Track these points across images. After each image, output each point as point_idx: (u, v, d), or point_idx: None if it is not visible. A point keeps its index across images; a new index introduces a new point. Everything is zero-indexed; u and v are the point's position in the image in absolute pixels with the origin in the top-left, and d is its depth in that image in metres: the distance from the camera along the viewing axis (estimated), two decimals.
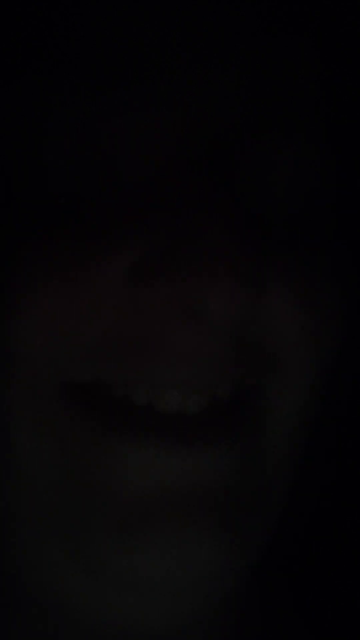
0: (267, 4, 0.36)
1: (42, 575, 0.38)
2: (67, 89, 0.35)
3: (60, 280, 0.35)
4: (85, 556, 0.36)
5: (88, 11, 0.35)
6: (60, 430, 0.35)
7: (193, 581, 0.35)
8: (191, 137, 0.35)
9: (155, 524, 0.35)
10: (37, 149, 0.36)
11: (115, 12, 0.35)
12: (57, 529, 0.36)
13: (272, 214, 0.37)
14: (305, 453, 0.38)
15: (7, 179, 0.36)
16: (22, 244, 0.35)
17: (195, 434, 0.35)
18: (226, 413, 0.36)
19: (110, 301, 0.35)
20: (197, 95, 0.35)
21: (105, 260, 0.35)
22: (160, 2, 0.35)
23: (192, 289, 0.33)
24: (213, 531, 0.35)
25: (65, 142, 0.36)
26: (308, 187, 0.38)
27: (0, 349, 0.35)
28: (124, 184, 0.36)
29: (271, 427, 0.37)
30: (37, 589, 0.39)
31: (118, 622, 0.39)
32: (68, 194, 0.36)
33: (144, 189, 0.35)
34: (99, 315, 0.35)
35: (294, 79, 0.37)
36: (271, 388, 0.36)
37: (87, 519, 0.35)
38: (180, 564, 0.35)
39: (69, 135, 0.36)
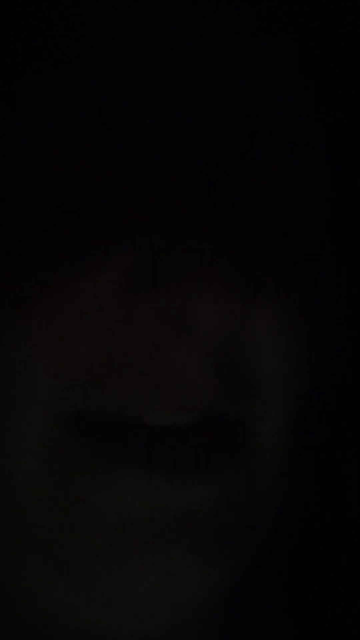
0: (266, 16, 0.37)
1: (32, 594, 0.39)
2: (63, 92, 0.35)
3: (50, 300, 0.35)
4: (76, 576, 0.36)
5: (86, 15, 0.36)
6: (57, 456, 0.36)
7: (183, 599, 0.36)
8: (186, 147, 0.35)
9: (144, 545, 0.35)
10: (26, 158, 0.36)
11: (114, 21, 0.36)
12: (49, 550, 0.37)
13: (264, 228, 0.37)
14: (296, 466, 0.39)
15: None
16: (6, 265, 0.35)
17: (185, 457, 0.35)
18: (214, 434, 0.36)
19: (101, 318, 0.35)
20: (194, 105, 0.36)
21: (94, 272, 0.35)
22: (159, 11, 0.36)
23: (181, 300, 0.34)
24: (201, 552, 0.35)
25: (55, 151, 0.36)
26: (302, 200, 0.38)
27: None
28: (115, 194, 0.36)
29: (257, 449, 0.37)
30: (26, 607, 0.39)
31: (108, 636, 0.39)
32: (56, 204, 0.36)
33: (136, 198, 0.35)
34: (91, 333, 0.35)
35: (292, 91, 0.37)
36: (254, 413, 0.36)
37: (79, 540, 0.35)
38: (170, 584, 0.35)
39: (61, 144, 0.36)
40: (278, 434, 0.37)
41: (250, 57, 0.36)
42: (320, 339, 0.37)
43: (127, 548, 0.35)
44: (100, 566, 0.35)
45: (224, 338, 0.35)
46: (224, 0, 0.36)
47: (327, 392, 0.39)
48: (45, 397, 0.35)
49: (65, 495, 0.35)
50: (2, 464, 0.36)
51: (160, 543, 0.35)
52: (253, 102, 0.36)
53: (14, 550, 0.38)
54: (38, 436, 0.35)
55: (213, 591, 0.36)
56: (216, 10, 0.36)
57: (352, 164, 0.40)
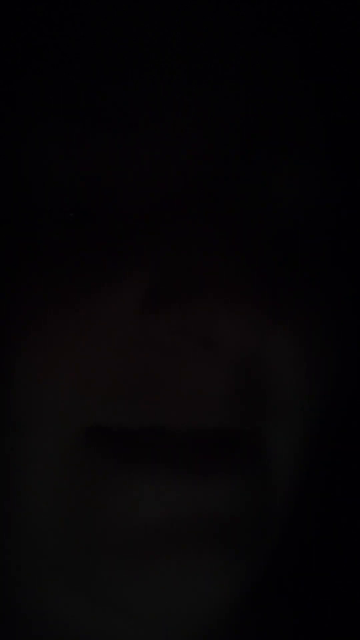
0: (266, 15, 0.37)
1: (46, 605, 0.39)
2: (65, 94, 0.35)
3: (69, 317, 0.35)
4: (92, 586, 0.36)
5: (87, 15, 0.36)
6: (76, 467, 0.36)
7: (198, 607, 0.36)
8: (194, 153, 0.35)
9: (162, 552, 0.35)
10: (40, 177, 0.36)
11: (115, 21, 0.36)
12: (63, 562, 0.37)
13: (282, 241, 0.37)
14: (308, 477, 0.39)
15: (10, 209, 0.36)
16: (25, 281, 0.35)
17: (204, 464, 0.35)
18: (230, 446, 0.36)
19: (120, 335, 0.35)
20: (199, 120, 0.35)
21: (113, 292, 0.35)
22: (159, 12, 0.36)
23: (201, 316, 0.34)
24: (218, 558, 0.35)
25: (66, 170, 0.36)
26: (311, 212, 0.38)
27: (18, 392, 0.35)
28: (130, 207, 0.36)
29: (273, 459, 0.37)
30: (39, 618, 0.39)
31: None
32: (70, 224, 0.36)
33: (151, 213, 0.35)
34: (110, 350, 0.35)
35: (293, 90, 0.37)
36: (269, 429, 0.37)
37: (95, 550, 0.36)
38: (185, 591, 0.35)
39: (69, 162, 0.36)
40: (292, 447, 0.37)
41: (251, 57, 0.36)
42: (335, 360, 0.37)
43: (143, 555, 0.35)
44: (120, 577, 0.35)
45: (243, 355, 0.35)
46: (223, 1, 0.36)
47: (341, 406, 0.39)
48: (64, 412, 0.35)
49: (81, 505, 0.36)
50: (21, 476, 0.36)
51: (176, 549, 0.35)
52: (255, 103, 0.36)
53: (29, 563, 0.38)
54: (58, 449, 0.36)
55: (228, 597, 0.36)
56: (216, 10, 0.36)
57: (354, 164, 0.40)
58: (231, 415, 0.35)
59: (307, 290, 0.37)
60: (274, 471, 0.37)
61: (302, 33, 0.38)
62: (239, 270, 0.34)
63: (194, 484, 0.35)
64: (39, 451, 0.36)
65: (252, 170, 0.36)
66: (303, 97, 0.38)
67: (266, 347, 0.35)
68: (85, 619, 0.39)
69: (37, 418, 0.35)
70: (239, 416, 0.35)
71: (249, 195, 0.36)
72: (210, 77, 0.36)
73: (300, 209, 0.37)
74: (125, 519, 0.35)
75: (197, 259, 0.34)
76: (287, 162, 0.37)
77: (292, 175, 0.37)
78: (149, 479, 0.35)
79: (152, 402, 0.35)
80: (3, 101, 0.36)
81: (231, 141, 0.36)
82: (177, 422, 0.35)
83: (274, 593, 0.43)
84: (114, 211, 0.36)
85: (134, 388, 0.35)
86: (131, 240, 0.35)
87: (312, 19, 0.38)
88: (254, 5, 0.36)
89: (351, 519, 0.44)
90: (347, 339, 0.38)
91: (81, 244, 0.35)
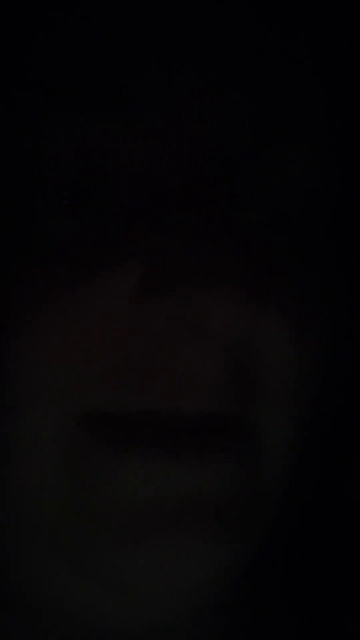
0: (269, 21, 0.37)
1: (44, 585, 0.40)
2: (72, 86, 0.36)
3: (65, 304, 0.35)
4: (89, 566, 0.37)
5: (90, 28, 0.36)
6: (73, 451, 0.36)
7: (192, 586, 0.36)
8: (197, 146, 0.36)
9: (157, 532, 0.35)
10: (38, 164, 0.36)
11: (118, 30, 0.36)
12: (61, 542, 0.37)
13: (275, 231, 0.37)
14: (300, 460, 0.39)
15: (8, 195, 0.37)
16: (21, 267, 0.36)
17: (197, 448, 0.36)
18: (222, 430, 0.36)
19: (115, 321, 0.35)
20: (202, 111, 0.36)
21: (108, 278, 0.35)
22: (164, 10, 0.36)
23: (194, 302, 0.34)
24: (212, 538, 0.36)
25: (65, 157, 0.36)
26: (309, 198, 0.38)
27: (16, 377, 0.36)
28: (127, 197, 0.36)
29: (266, 442, 0.37)
30: (37, 598, 0.40)
31: (118, 627, 0.40)
32: (66, 212, 0.36)
33: (148, 201, 0.36)
34: (105, 336, 0.35)
35: (298, 93, 0.37)
36: (261, 413, 0.37)
37: (92, 530, 0.36)
38: (180, 570, 0.36)
39: (71, 148, 0.36)
40: (285, 431, 0.38)
41: (256, 47, 0.36)
42: (325, 344, 0.38)
43: (138, 536, 0.35)
44: (116, 557, 0.36)
45: (235, 340, 0.35)
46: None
47: (331, 393, 0.39)
48: (60, 397, 0.36)
49: (78, 488, 0.36)
50: (17, 461, 0.37)
51: (170, 530, 0.35)
52: (258, 105, 0.36)
53: (27, 546, 0.39)
54: (54, 434, 0.36)
55: (221, 578, 0.37)
56: (222, 6, 0.36)
57: (354, 154, 0.40)
58: (224, 399, 0.36)
59: (298, 275, 0.37)
60: (266, 454, 0.37)
61: (308, 24, 0.38)
62: (233, 255, 0.34)
63: (187, 467, 0.35)
64: (36, 436, 0.36)
65: (254, 157, 0.36)
66: (309, 91, 0.38)
67: (258, 332, 0.36)
68: (82, 598, 0.39)
69: (33, 403, 0.36)
70: (232, 401, 0.36)
71: (249, 181, 0.37)
72: (214, 66, 0.36)
73: (301, 193, 0.38)
74: (120, 501, 0.36)
75: (190, 246, 0.34)
76: (285, 152, 0.37)
77: (295, 162, 0.37)
78: (143, 462, 0.35)
79: (146, 388, 0.35)
80: (4, 88, 0.36)
81: (230, 131, 0.36)
82: (170, 407, 0.35)
83: (267, 575, 0.44)
84: (110, 198, 0.36)
85: (128, 373, 0.35)
86: (126, 228, 0.36)
87: (318, 10, 0.38)
88: (260, 1, 0.37)
89: (345, 503, 0.44)
90: (339, 324, 0.38)
91: (76, 231, 0.36)
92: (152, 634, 0.40)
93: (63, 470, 0.36)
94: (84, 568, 0.37)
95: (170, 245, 0.35)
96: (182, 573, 0.36)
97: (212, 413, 0.36)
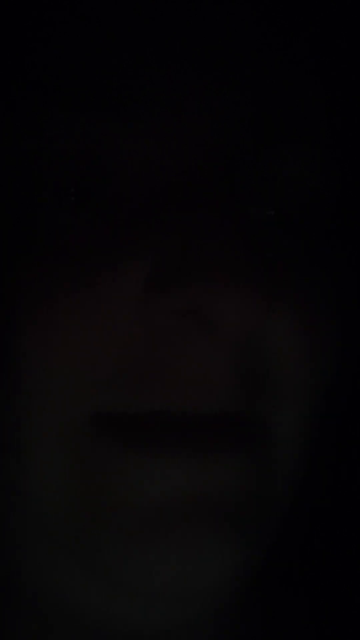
0: (269, 21, 0.37)
1: (51, 585, 0.39)
2: (68, 104, 0.36)
3: (70, 303, 0.35)
4: (97, 565, 0.37)
5: (90, 28, 0.36)
6: (82, 451, 0.36)
7: (203, 586, 0.36)
8: (201, 142, 0.36)
9: (167, 532, 0.35)
10: (39, 163, 0.36)
11: (118, 30, 0.36)
12: (68, 542, 0.37)
13: (282, 227, 0.38)
14: (311, 458, 0.39)
15: (12, 195, 0.37)
16: (26, 267, 0.36)
17: (208, 446, 0.35)
18: (232, 428, 0.36)
19: (122, 320, 0.35)
20: (202, 111, 0.36)
21: (115, 276, 0.35)
22: (165, 21, 0.36)
23: (203, 298, 0.34)
24: (223, 538, 0.36)
25: (66, 155, 0.36)
26: (312, 194, 0.38)
27: (23, 377, 0.36)
28: (133, 193, 0.36)
29: (277, 440, 0.37)
30: (43, 597, 0.40)
31: (126, 627, 0.40)
32: (72, 208, 0.36)
33: (154, 198, 0.36)
34: (112, 335, 0.35)
35: (298, 93, 0.38)
36: (271, 410, 0.37)
37: (100, 530, 0.36)
38: (191, 570, 0.35)
39: (73, 147, 0.36)
40: (296, 428, 0.38)
41: (257, 53, 0.37)
42: (336, 340, 0.38)
43: (148, 535, 0.35)
44: (126, 556, 0.36)
45: (245, 337, 0.35)
46: None
47: (342, 390, 0.39)
48: (66, 398, 0.36)
49: (87, 488, 0.36)
50: (25, 462, 0.37)
51: (180, 529, 0.35)
52: (259, 103, 0.37)
53: (34, 545, 0.39)
54: (60, 435, 0.36)
55: (232, 577, 0.36)
56: (222, 6, 0.36)
57: (355, 151, 0.40)
58: (234, 397, 0.36)
59: (308, 271, 0.37)
60: (278, 453, 0.37)
61: (308, 24, 0.38)
62: (240, 251, 0.34)
63: (198, 466, 0.35)
64: (45, 436, 0.36)
65: (255, 156, 0.37)
66: (308, 86, 0.38)
67: (267, 329, 0.36)
68: (90, 597, 0.39)
69: (42, 403, 0.36)
70: (242, 399, 0.36)
71: (250, 179, 0.37)
72: (214, 66, 0.36)
73: (302, 192, 0.38)
74: (130, 499, 0.35)
75: (198, 241, 0.34)
76: (285, 151, 0.37)
77: (295, 161, 0.37)
78: (153, 461, 0.35)
79: (156, 386, 0.35)
80: (5, 88, 0.36)
81: (230, 130, 0.36)
82: (180, 405, 0.35)
83: (278, 574, 0.43)
84: (116, 195, 0.36)
85: (138, 372, 0.35)
86: (129, 227, 0.35)
87: (318, 10, 0.38)
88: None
89: (356, 501, 0.44)
90: (349, 320, 0.38)
91: (83, 228, 0.36)
92: (160, 634, 0.40)
93: (72, 471, 0.36)
94: (92, 567, 0.37)
95: (174, 242, 0.35)
96: (191, 573, 0.36)
97: (222, 411, 0.36)
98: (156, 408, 0.35)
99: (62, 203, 0.36)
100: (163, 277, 0.35)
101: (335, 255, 0.39)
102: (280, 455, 0.37)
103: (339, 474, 0.44)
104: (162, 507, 0.35)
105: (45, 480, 0.37)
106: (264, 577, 0.41)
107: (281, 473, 0.38)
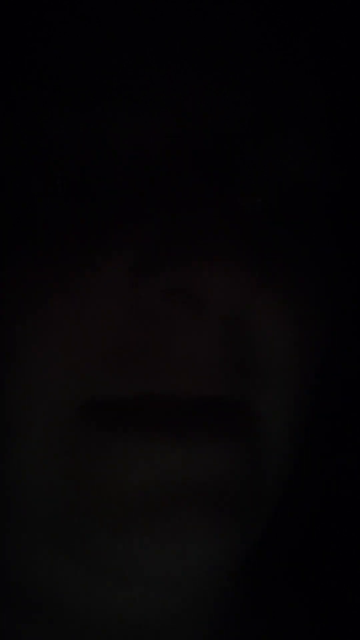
0: (270, 21, 0.37)
1: (41, 574, 0.39)
2: (68, 105, 0.36)
3: (60, 289, 0.35)
4: (87, 554, 0.36)
5: (90, 28, 0.36)
6: (67, 436, 0.36)
7: (194, 573, 0.36)
8: (191, 129, 0.36)
9: (156, 518, 0.35)
10: (31, 153, 0.36)
11: (118, 30, 0.36)
12: (58, 530, 0.37)
13: (272, 211, 0.38)
14: (302, 446, 0.39)
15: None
16: (17, 254, 0.35)
17: (197, 431, 0.35)
18: (222, 413, 0.36)
19: (111, 304, 0.35)
20: (198, 94, 0.36)
21: (104, 261, 0.35)
22: (165, 21, 0.36)
23: (192, 276, 0.34)
24: (214, 524, 0.35)
25: (59, 145, 0.36)
26: (306, 185, 0.38)
27: (12, 365, 0.36)
28: (122, 176, 0.36)
29: (264, 427, 0.37)
30: (34, 588, 0.40)
31: (117, 617, 0.40)
32: (60, 193, 0.36)
33: (143, 181, 0.35)
34: (102, 320, 0.35)
35: (295, 80, 0.38)
36: (260, 395, 0.37)
37: (89, 517, 0.36)
38: (181, 556, 0.35)
39: (62, 139, 0.36)
40: (286, 413, 0.37)
41: (257, 53, 0.37)
42: (326, 328, 0.38)
43: (138, 521, 0.35)
44: (114, 544, 0.35)
45: (233, 320, 0.35)
46: None
47: (332, 379, 0.39)
48: (59, 384, 0.36)
49: (76, 474, 0.36)
50: (14, 448, 0.37)
51: (170, 515, 0.35)
52: (254, 90, 0.36)
53: (25, 535, 0.39)
54: (53, 421, 0.36)
55: (223, 564, 0.36)
56: (222, 6, 0.37)
57: (352, 139, 0.40)
58: (222, 382, 0.35)
59: (297, 258, 0.37)
60: (267, 439, 0.37)
61: (308, 24, 0.38)
62: (228, 233, 0.34)
63: (187, 451, 0.35)
64: (34, 423, 0.36)
65: (249, 144, 0.37)
66: (306, 77, 0.38)
67: (256, 313, 0.36)
68: (75, 585, 0.39)
69: (31, 391, 0.36)
70: (231, 383, 0.36)
71: (243, 166, 0.37)
72: (213, 52, 0.36)
73: (294, 181, 0.38)
74: (117, 486, 0.35)
75: (187, 223, 0.34)
76: (286, 138, 0.37)
77: (290, 152, 0.37)
78: (142, 446, 0.35)
79: (143, 369, 0.35)
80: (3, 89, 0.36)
81: (227, 118, 0.36)
82: (169, 390, 0.35)
83: (269, 561, 0.43)
84: (105, 179, 0.36)
85: (126, 356, 0.35)
86: (120, 211, 0.35)
87: (318, 10, 0.38)
88: None
89: (347, 488, 0.44)
90: (339, 309, 0.38)
91: (71, 214, 0.36)
92: (147, 623, 0.40)
93: (61, 457, 0.36)
94: (77, 555, 0.37)
95: (164, 225, 0.35)
96: (181, 560, 0.35)
97: (211, 396, 0.35)
98: (145, 391, 0.35)
99: (48, 185, 0.36)
100: (149, 258, 0.34)
101: (326, 244, 0.39)
102: (270, 442, 0.37)
103: (329, 463, 0.44)
104: (149, 493, 0.35)
105: (34, 467, 0.36)
106: (253, 565, 0.41)
107: (271, 460, 0.37)
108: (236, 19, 0.37)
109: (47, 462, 0.36)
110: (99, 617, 0.40)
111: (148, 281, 0.35)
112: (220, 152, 0.36)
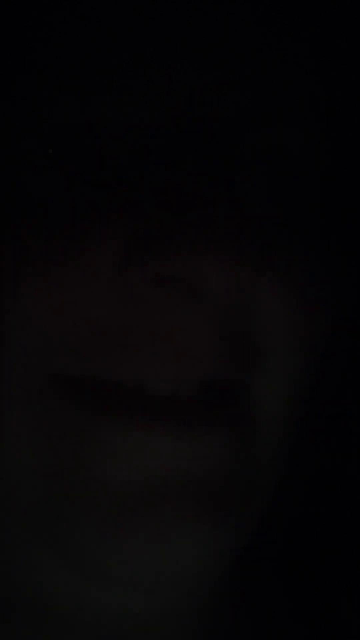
0: (270, 21, 0.37)
1: (27, 573, 0.39)
2: (63, 77, 0.35)
3: (49, 272, 0.34)
4: (73, 551, 0.35)
5: (90, 28, 0.36)
6: (50, 420, 0.35)
7: (184, 571, 0.35)
8: (188, 116, 0.35)
9: (146, 511, 0.34)
10: (27, 139, 0.36)
11: (118, 30, 0.36)
12: (43, 524, 0.36)
13: (267, 201, 0.37)
14: (296, 440, 0.39)
15: None
16: (2, 230, 0.35)
17: (185, 419, 0.34)
18: (216, 401, 0.35)
19: (100, 285, 0.34)
20: (195, 86, 0.36)
21: (93, 242, 0.34)
22: (165, 21, 0.36)
23: (187, 264, 0.33)
24: (205, 517, 0.34)
25: (57, 132, 0.36)
26: (304, 173, 0.38)
27: None
28: (117, 160, 0.36)
29: (259, 416, 0.37)
30: (21, 586, 0.39)
31: (101, 614, 0.39)
32: (51, 174, 0.36)
33: (139, 165, 0.35)
34: (90, 301, 0.34)
35: (293, 72, 0.38)
36: (257, 383, 0.36)
37: (74, 510, 0.35)
38: (170, 552, 0.34)
39: (61, 126, 0.36)
40: (280, 405, 0.37)
41: (250, 31, 0.37)
42: (324, 316, 0.37)
43: (121, 516, 0.34)
44: (100, 540, 0.35)
45: (230, 306, 0.35)
46: None
47: (331, 368, 0.39)
48: (36, 360, 0.35)
49: (58, 459, 0.35)
50: None
51: (156, 509, 0.34)
52: (252, 82, 0.36)
53: (4, 527, 0.38)
54: (26, 398, 0.35)
55: (213, 561, 0.35)
56: (222, 6, 0.37)
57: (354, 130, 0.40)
58: (216, 366, 0.35)
59: (296, 241, 0.37)
60: (261, 430, 0.36)
61: (308, 24, 0.38)
62: (225, 218, 0.33)
63: (178, 441, 0.34)
64: (9, 399, 0.35)
65: (244, 125, 0.36)
66: (304, 69, 0.38)
67: (252, 297, 0.35)
68: (62, 582, 0.38)
69: (5, 360, 0.35)
70: (225, 370, 0.35)
71: (238, 152, 0.36)
72: (212, 44, 0.36)
73: (292, 161, 0.38)
74: (103, 476, 0.34)
75: (181, 207, 0.34)
76: (285, 126, 0.37)
77: (290, 138, 0.37)
78: (130, 435, 0.34)
79: (135, 354, 0.34)
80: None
81: (231, 98, 0.36)
82: (160, 374, 0.34)
83: (261, 556, 0.43)
84: (98, 157, 0.36)
85: (115, 340, 0.34)
86: (112, 191, 0.35)
87: (317, 10, 0.38)
88: None
89: (341, 481, 0.44)
90: (338, 296, 0.38)
91: (62, 194, 0.35)
92: (138, 620, 0.39)
93: (40, 440, 0.35)
94: (64, 551, 0.36)
95: (159, 207, 0.34)
96: (170, 556, 0.34)
97: (204, 383, 0.35)
98: (134, 375, 0.35)
99: (40, 155, 0.35)
100: (142, 244, 0.34)
101: (324, 231, 0.39)
102: (265, 432, 0.37)
103: (324, 455, 0.44)
104: (139, 485, 0.34)
105: (11, 448, 0.36)
106: (246, 560, 0.40)
107: (265, 451, 0.37)
108: (234, 10, 0.37)
109: (25, 441, 0.35)
110: (83, 614, 0.39)
111: (135, 267, 0.34)
112: (215, 141, 0.36)
